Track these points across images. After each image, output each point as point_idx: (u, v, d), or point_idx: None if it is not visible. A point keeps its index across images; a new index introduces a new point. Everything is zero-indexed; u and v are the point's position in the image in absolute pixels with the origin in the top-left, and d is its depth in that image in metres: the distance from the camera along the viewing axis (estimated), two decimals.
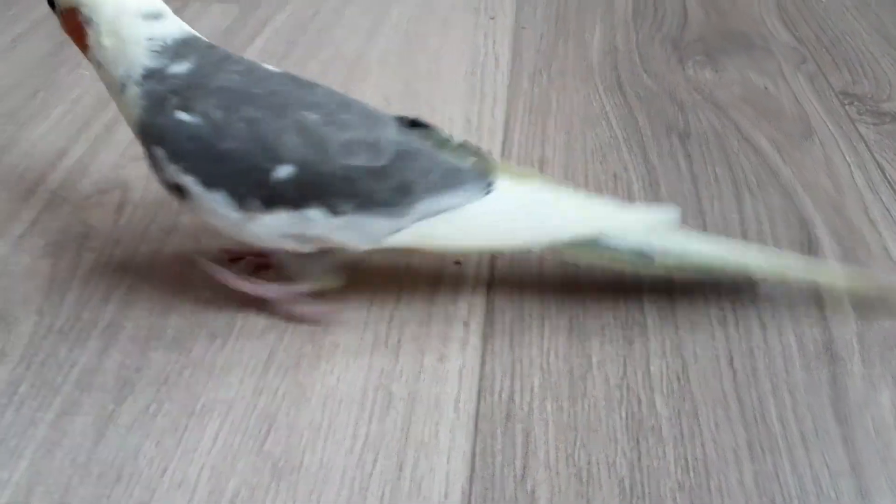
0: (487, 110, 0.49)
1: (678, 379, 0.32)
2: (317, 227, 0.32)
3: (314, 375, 0.32)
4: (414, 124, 0.34)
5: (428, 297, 0.35)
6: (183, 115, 0.31)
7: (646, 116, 0.49)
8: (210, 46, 0.33)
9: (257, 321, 0.34)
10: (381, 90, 0.51)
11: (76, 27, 0.33)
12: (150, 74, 0.32)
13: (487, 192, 0.33)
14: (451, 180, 0.32)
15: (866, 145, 0.46)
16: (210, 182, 0.31)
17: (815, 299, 0.35)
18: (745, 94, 0.51)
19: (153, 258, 0.38)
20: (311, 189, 0.31)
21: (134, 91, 0.32)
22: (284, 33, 0.58)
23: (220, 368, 0.32)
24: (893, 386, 0.31)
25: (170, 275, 0.37)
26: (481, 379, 0.32)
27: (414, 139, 0.33)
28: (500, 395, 0.31)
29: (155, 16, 0.33)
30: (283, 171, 0.31)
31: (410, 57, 0.55)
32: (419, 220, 0.32)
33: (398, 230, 0.32)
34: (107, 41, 0.32)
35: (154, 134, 0.32)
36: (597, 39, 0.58)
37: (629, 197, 0.42)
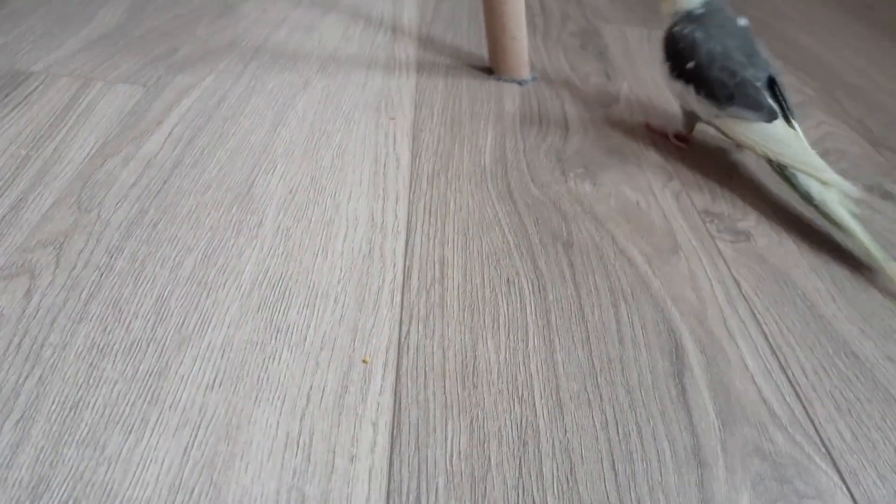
0: (390, 209, 0.53)
1: (567, 480, 0.35)
2: (690, 96, 0.62)
3: (229, 474, 0.33)
4: (773, 84, 0.60)
5: (338, 395, 0.38)
6: (687, 28, 0.63)
7: (534, 224, 0.53)
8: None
9: (171, 416, 0.35)
10: (286, 182, 0.54)
11: None
12: (688, 14, 0.64)
13: (769, 121, 0.58)
14: (754, 104, 0.59)
15: (725, 261, 0.52)
16: (669, 58, 0.64)
17: (684, 406, 0.40)
18: (620, 207, 0.57)
19: (63, 348, 0.38)
20: (694, 78, 0.61)
21: (680, 16, 0.64)
22: (190, 120, 0.59)
23: (137, 465, 0.33)
24: (752, 490, 0.36)
25: (83, 366, 0.37)
26: (390, 481, 0.34)
27: (751, 81, 0.59)
28: (407, 497, 0.33)
29: None
30: (690, 65, 0.61)
31: (315, 151, 0.58)
32: (729, 116, 0.60)
33: (719, 114, 0.60)
34: None
35: (674, 36, 0.63)
36: (489, 146, 0.63)
37: (521, 302, 0.46)
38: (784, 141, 0.57)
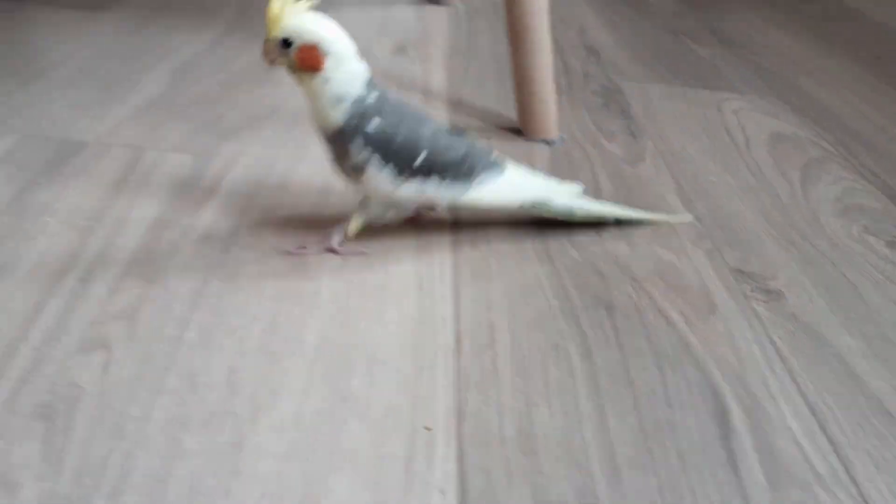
0: (437, 274, 0.55)
1: None
2: (429, 189, 0.54)
3: None
4: (458, 131, 0.59)
5: (405, 462, 0.40)
6: (376, 120, 0.52)
7: (574, 287, 0.56)
8: (374, 84, 0.53)
9: (252, 487, 0.37)
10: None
11: (314, 57, 0.50)
12: (359, 99, 0.51)
13: (503, 172, 0.57)
14: (490, 165, 0.57)
15: (760, 321, 0.54)
16: (385, 161, 0.52)
17: (733, 468, 0.42)
18: (655, 267, 0.59)
19: (145, 421, 0.40)
20: (432, 168, 0.54)
21: (345, 106, 0.51)
22: (242, 188, 0.62)
23: None
24: None
25: (165, 439, 0.39)
26: None
27: (466, 141, 0.56)
28: None
29: (360, 58, 0.52)
30: (421, 157, 0.53)
31: None
32: (475, 188, 0.56)
33: (466, 193, 0.56)
34: (340, 70, 0.50)
35: (356, 131, 0.51)
36: None
37: (569, 366, 0.48)
38: (528, 179, 0.59)
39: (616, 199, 0.68)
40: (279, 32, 0.50)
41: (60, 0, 0.99)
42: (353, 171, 0.53)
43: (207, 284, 0.51)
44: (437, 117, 0.80)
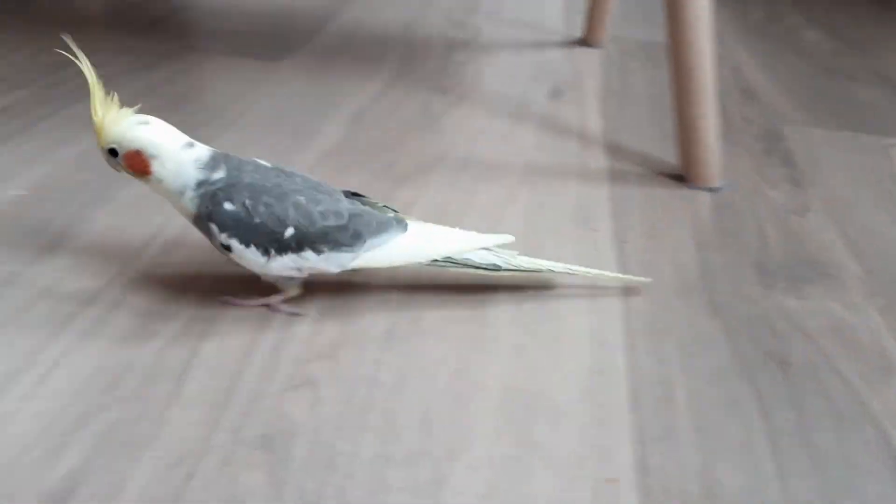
0: (608, 325, 0.57)
1: None
2: (308, 262, 0.53)
3: None
4: (355, 195, 0.56)
5: None
6: (227, 205, 0.51)
7: (746, 342, 0.56)
8: (227, 156, 0.53)
9: None
10: (512, 297, 0.59)
11: (140, 162, 0.51)
12: (200, 183, 0.51)
13: (405, 231, 0.55)
14: (382, 226, 0.55)
15: None
16: (246, 242, 0.51)
17: None
18: (828, 323, 0.59)
19: (353, 457, 0.44)
20: (305, 241, 0.52)
21: (191, 195, 0.51)
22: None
23: None
24: None
25: (372, 475, 0.43)
26: None
27: (358, 205, 0.55)
28: None
29: (190, 145, 0.52)
30: (288, 232, 0.51)
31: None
32: (367, 251, 0.54)
33: (355, 258, 0.54)
34: (168, 167, 0.51)
35: (209, 217, 0.51)
36: (690, 257, 0.66)
37: (746, 424, 0.49)
38: (437, 235, 0.57)
39: (785, 252, 0.68)
40: (104, 144, 0.51)
41: (241, 51, 1.07)
42: (223, 250, 0.52)
43: (396, 327, 0.55)
44: (596, 163, 0.82)
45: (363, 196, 0.57)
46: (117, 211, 0.67)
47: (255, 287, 0.56)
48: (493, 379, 0.51)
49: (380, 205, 0.57)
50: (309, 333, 0.54)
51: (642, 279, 0.61)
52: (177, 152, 0.51)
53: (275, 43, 1.12)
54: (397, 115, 0.91)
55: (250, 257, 0.52)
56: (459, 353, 0.53)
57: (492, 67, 1.08)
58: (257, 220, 0.51)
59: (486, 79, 1.04)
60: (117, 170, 0.52)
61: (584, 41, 1.22)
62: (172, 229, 0.64)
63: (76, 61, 0.51)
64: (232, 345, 0.52)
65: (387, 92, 0.97)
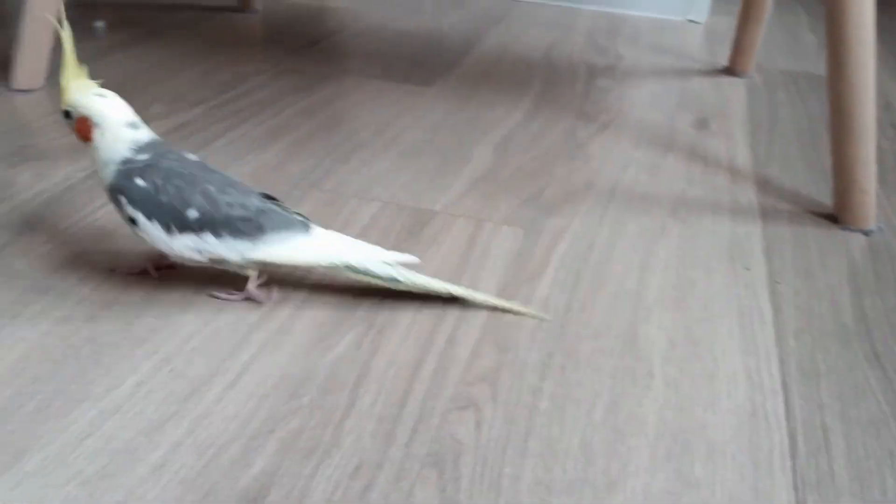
0: (764, 367, 0.57)
1: None
2: (208, 245, 0.58)
3: None
4: (270, 197, 0.61)
5: None
6: (139, 181, 0.57)
7: None
8: (162, 144, 0.59)
9: None
10: (665, 332, 0.60)
11: (86, 128, 0.58)
12: (126, 161, 0.58)
13: (308, 233, 0.59)
14: (285, 225, 0.59)
15: None
16: (150, 216, 0.57)
17: None
18: None
19: (516, 480, 0.46)
20: (206, 225, 0.57)
21: (112, 168, 0.58)
22: (569, 263, 0.68)
23: None
24: None
25: (534, 500, 0.45)
26: None
27: (269, 204, 0.59)
28: None
29: (135, 126, 0.59)
30: (191, 213, 0.57)
31: (683, 300, 0.64)
32: (268, 245, 0.58)
33: (255, 249, 0.58)
34: (107, 137, 0.58)
35: (121, 189, 0.57)
36: (847, 302, 0.65)
37: None
38: (339, 243, 0.60)
39: None
40: (63, 105, 0.58)
41: (393, 76, 1.12)
42: (129, 223, 0.58)
43: (552, 357, 0.57)
44: (746, 198, 0.82)
45: (278, 200, 0.61)
46: None
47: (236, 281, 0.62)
48: (648, 414, 0.52)
49: (291, 210, 0.61)
50: (468, 356, 0.57)
51: (542, 315, 0.61)
52: (118, 128, 0.58)
53: (423, 68, 1.16)
54: (543, 142, 0.93)
55: (153, 232, 0.57)
56: (613, 386, 0.55)
57: (636, 94, 1.09)
58: (163, 199, 0.57)
59: (631, 106, 1.05)
60: (69, 131, 0.59)
61: (730, 70, 1.21)
62: None
63: (59, 30, 0.58)
64: (400, 361, 0.56)
65: (532, 117, 1.00)
